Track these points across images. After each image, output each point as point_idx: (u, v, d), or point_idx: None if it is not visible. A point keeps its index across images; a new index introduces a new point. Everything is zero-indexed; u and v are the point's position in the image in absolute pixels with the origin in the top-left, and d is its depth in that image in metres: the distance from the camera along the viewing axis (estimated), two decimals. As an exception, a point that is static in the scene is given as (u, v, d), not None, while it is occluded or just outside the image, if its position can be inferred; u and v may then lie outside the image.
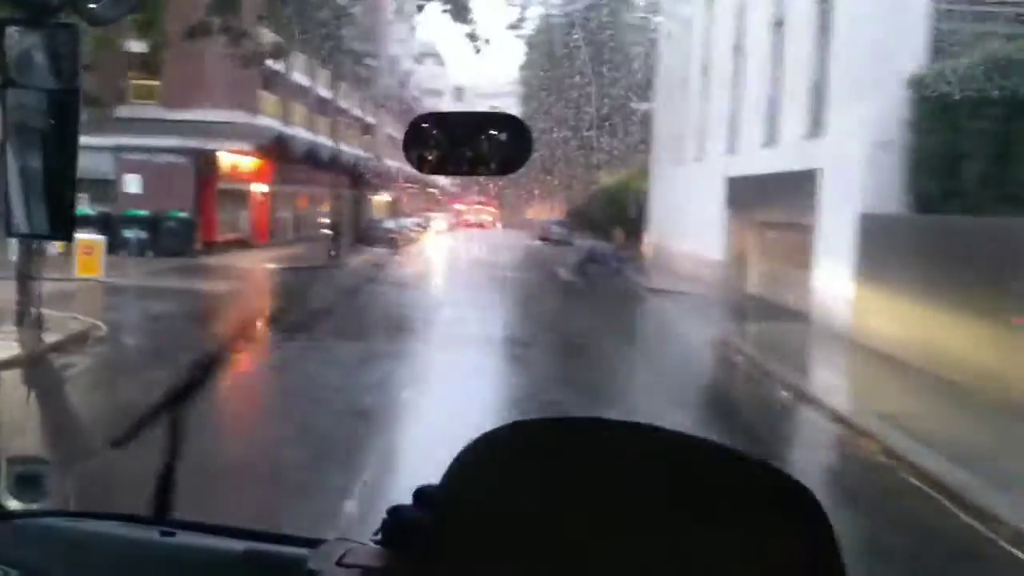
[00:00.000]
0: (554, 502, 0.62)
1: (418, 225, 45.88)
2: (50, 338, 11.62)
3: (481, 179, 57.78)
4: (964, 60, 12.48)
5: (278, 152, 30.06)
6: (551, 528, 0.61)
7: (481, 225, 70.77)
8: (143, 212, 24.87)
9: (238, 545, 1.44)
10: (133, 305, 16.03)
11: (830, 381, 11.71)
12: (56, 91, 1.42)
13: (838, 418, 9.22)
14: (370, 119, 48.11)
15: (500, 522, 0.63)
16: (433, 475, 0.70)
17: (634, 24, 51.08)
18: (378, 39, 46.73)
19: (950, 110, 12.17)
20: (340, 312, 16.56)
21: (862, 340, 13.25)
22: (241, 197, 30.49)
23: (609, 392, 10.38)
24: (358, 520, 4.98)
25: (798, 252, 17.01)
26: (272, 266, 24.93)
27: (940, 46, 13.74)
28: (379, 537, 1.14)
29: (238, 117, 27.72)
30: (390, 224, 42.16)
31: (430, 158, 1.40)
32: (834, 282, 14.74)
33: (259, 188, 31.78)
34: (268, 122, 30.90)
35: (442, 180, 66.58)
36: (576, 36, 50.02)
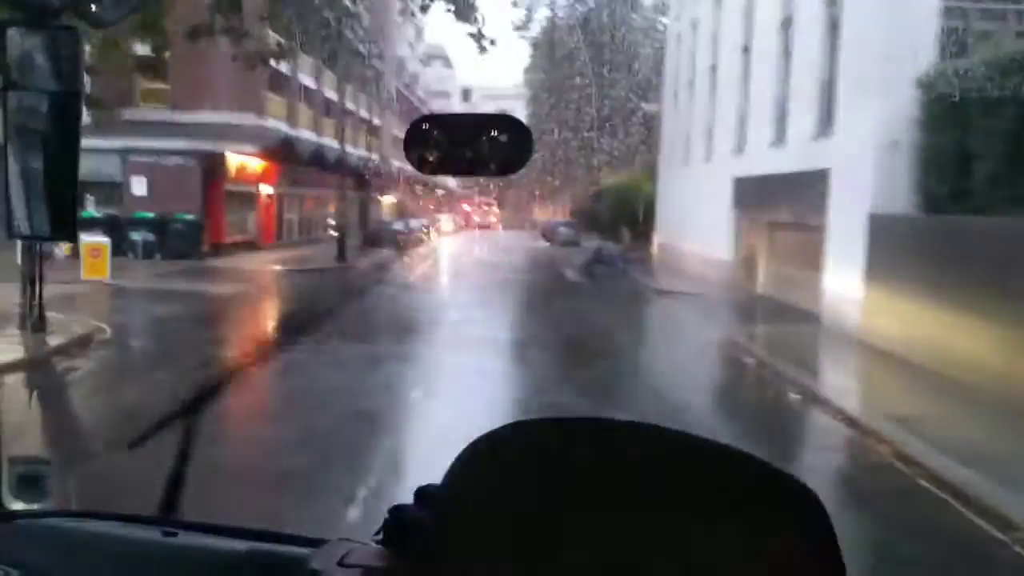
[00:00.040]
0: (555, 502, 0.62)
1: (425, 226, 45.85)
2: (53, 341, 11.59)
3: (487, 180, 57.94)
4: (974, 59, 12.40)
5: (285, 154, 30.11)
6: (552, 528, 0.61)
7: (488, 226, 70.88)
8: (150, 214, 24.91)
9: (240, 545, 1.44)
10: (139, 308, 16.03)
11: (841, 383, 11.64)
12: (57, 93, 1.41)
13: (849, 420, 9.16)
14: (376, 121, 48.14)
15: (501, 522, 0.63)
16: (439, 476, 0.69)
17: (637, 26, 51.15)
18: (385, 40, 46.76)
19: (959, 109, 12.08)
20: (350, 315, 16.55)
21: (872, 341, 13.18)
22: (248, 199, 30.53)
23: (617, 395, 10.33)
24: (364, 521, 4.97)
25: (807, 252, 16.95)
26: (279, 268, 24.95)
27: (949, 44, 13.67)
28: (380, 537, 1.14)
29: (245, 119, 27.77)
30: (397, 225, 42.19)
31: (431, 159, 1.41)
32: (843, 282, 14.67)
33: (266, 190, 31.83)
34: (275, 124, 30.97)
35: (450, 182, 66.73)
36: (576, 38, 50.12)
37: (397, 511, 1.09)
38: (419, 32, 72.45)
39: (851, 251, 14.36)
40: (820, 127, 16.68)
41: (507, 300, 20.87)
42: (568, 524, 0.61)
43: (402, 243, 36.98)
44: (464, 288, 24.08)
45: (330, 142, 34.68)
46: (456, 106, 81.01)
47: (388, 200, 53.75)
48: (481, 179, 51.49)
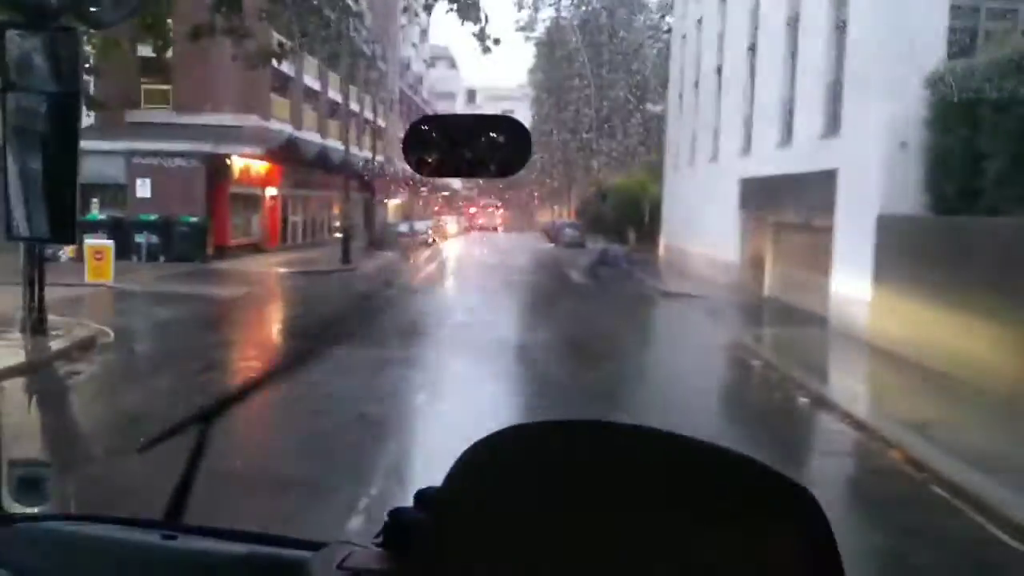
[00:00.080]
0: (553, 504, 0.63)
1: (431, 228, 45.87)
2: (55, 344, 11.52)
3: (491, 182, 57.94)
4: (983, 57, 12.31)
5: (289, 156, 30.11)
6: (550, 530, 0.61)
7: (493, 228, 70.93)
8: (154, 217, 24.88)
9: (240, 548, 1.43)
10: (142, 311, 15.97)
11: (849, 386, 11.56)
12: (56, 94, 1.42)
13: (858, 424, 9.07)
14: (381, 122, 48.13)
15: (500, 524, 0.64)
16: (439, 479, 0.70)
17: (638, 27, 51.16)
18: (389, 41, 46.77)
19: (969, 108, 11.99)
20: (354, 318, 16.48)
21: (880, 343, 13.08)
22: (253, 201, 30.52)
23: (622, 398, 10.25)
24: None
25: (814, 254, 16.86)
26: (284, 270, 24.94)
27: (958, 43, 13.60)
28: (380, 540, 1.15)
29: (249, 121, 27.77)
30: (402, 228, 42.25)
31: (429, 160, 1.41)
32: (851, 284, 14.58)
33: (270, 192, 31.82)
34: (279, 126, 30.98)
35: (455, 184, 66.74)
36: (575, 39, 50.13)
37: (396, 514, 1.10)
38: (424, 33, 72.52)
39: (859, 252, 14.27)
40: (827, 127, 16.58)
41: (512, 303, 20.82)
42: (567, 526, 0.61)
43: (407, 245, 36.99)
44: (469, 291, 24.02)
45: (335, 144, 34.69)
46: (461, 107, 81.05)
47: (393, 202, 53.79)
48: (485, 181, 51.62)
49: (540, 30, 53.21)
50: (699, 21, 28.73)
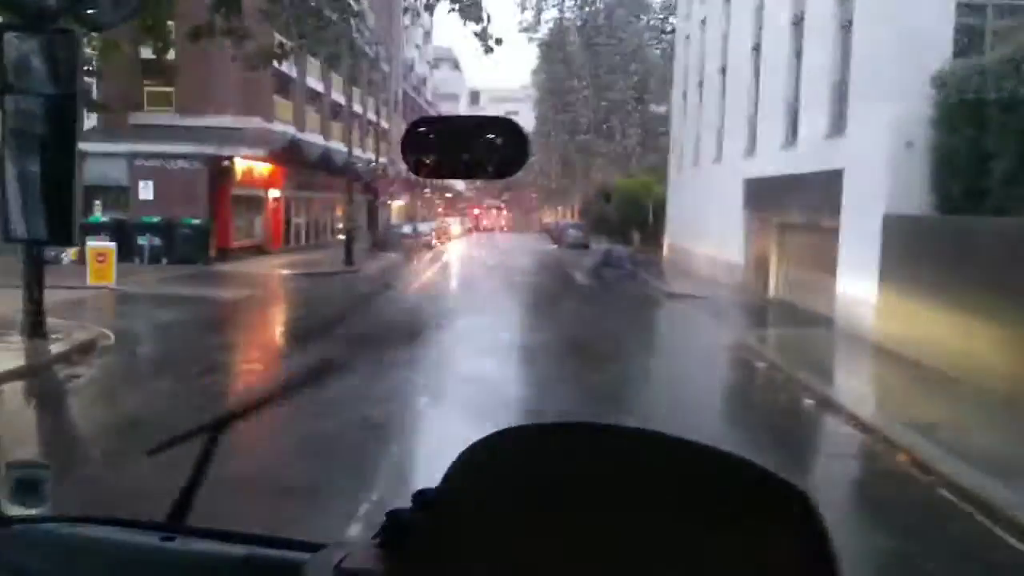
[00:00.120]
0: (551, 505, 0.63)
1: (434, 230, 45.85)
2: (55, 348, 11.45)
3: (496, 183, 57.94)
4: (989, 57, 12.25)
5: (292, 157, 30.10)
6: (548, 531, 0.62)
7: (496, 229, 70.98)
8: (157, 219, 24.86)
9: (239, 550, 1.44)
10: (144, 313, 15.91)
11: (855, 387, 11.49)
12: (54, 96, 1.42)
13: (864, 426, 9.01)
14: (384, 124, 48.13)
15: (498, 524, 0.64)
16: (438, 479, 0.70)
17: (640, 27, 51.12)
18: (392, 42, 46.77)
19: (975, 108, 11.93)
20: (357, 320, 16.47)
21: (886, 344, 13.02)
22: (255, 203, 30.50)
23: (626, 399, 10.21)
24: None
25: (819, 254, 16.80)
26: (286, 272, 24.92)
27: (965, 42, 13.54)
28: (378, 540, 1.14)
29: (252, 123, 27.76)
30: (406, 229, 42.23)
31: (427, 161, 1.42)
32: (857, 285, 14.52)
33: (273, 194, 31.80)
34: (282, 127, 30.96)
35: (458, 185, 66.75)
36: (576, 40, 50.11)
37: (394, 514, 1.10)
38: (427, 34, 72.53)
39: (865, 253, 14.20)
40: (833, 127, 16.52)
41: (516, 305, 20.80)
42: (564, 528, 0.62)
43: (410, 247, 36.96)
44: (473, 292, 23.99)
45: (338, 145, 34.68)
46: (464, 109, 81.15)
47: (396, 204, 53.77)
48: (487, 182, 51.64)
49: (543, 31, 53.20)
50: (703, 21, 28.69)
